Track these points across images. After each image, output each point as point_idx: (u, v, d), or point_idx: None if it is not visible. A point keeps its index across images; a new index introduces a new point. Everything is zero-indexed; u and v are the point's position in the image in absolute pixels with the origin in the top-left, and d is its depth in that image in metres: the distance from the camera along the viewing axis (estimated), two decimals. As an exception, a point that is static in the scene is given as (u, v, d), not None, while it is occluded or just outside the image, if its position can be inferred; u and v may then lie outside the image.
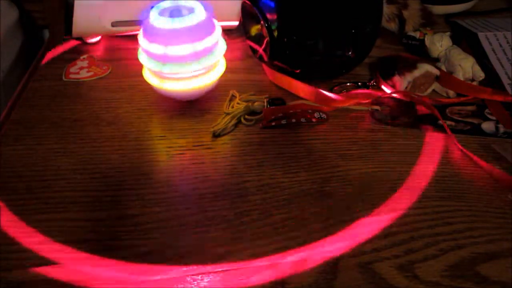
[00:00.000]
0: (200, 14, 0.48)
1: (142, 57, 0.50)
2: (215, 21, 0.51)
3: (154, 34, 0.48)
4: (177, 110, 0.53)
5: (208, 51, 0.49)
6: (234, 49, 0.63)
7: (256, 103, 0.52)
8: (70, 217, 0.40)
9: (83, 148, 0.48)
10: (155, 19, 0.48)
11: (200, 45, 0.48)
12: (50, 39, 0.67)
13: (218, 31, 0.50)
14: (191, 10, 0.49)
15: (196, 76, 0.50)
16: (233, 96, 0.54)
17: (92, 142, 0.48)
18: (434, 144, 0.48)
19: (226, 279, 0.36)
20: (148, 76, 0.52)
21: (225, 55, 0.53)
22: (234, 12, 0.63)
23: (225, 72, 0.53)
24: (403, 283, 0.35)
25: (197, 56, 0.48)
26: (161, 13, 0.48)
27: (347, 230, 0.39)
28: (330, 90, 0.54)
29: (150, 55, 0.49)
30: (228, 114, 0.51)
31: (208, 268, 0.36)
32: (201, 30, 0.48)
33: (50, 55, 0.63)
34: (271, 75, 0.57)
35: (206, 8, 0.49)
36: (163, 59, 0.48)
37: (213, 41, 0.49)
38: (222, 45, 0.52)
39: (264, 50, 0.54)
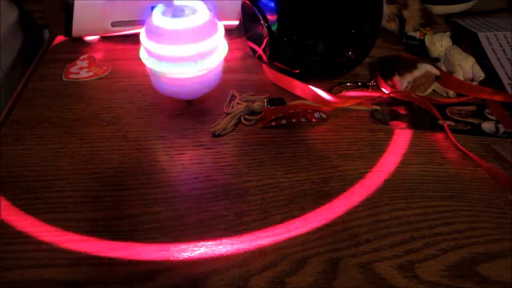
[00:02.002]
0: (203, 14, 0.48)
1: (143, 57, 0.50)
2: (218, 21, 0.51)
3: (156, 34, 0.48)
4: (177, 110, 0.53)
5: (210, 51, 0.49)
6: (234, 49, 0.62)
7: (256, 103, 0.52)
8: (70, 217, 0.40)
9: (83, 148, 0.48)
10: (158, 19, 0.47)
11: (202, 46, 0.48)
12: (50, 39, 0.67)
13: (221, 32, 0.50)
14: (194, 10, 0.49)
15: (197, 76, 0.50)
16: (233, 96, 0.54)
17: (92, 142, 0.48)
18: (433, 144, 0.48)
19: (227, 278, 0.36)
20: (150, 75, 0.51)
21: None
22: (234, 12, 0.63)
23: (225, 72, 0.53)
24: (403, 283, 0.35)
25: (199, 56, 0.48)
26: (164, 13, 0.48)
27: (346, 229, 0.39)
28: (330, 90, 0.54)
29: (152, 54, 0.49)
30: (228, 114, 0.51)
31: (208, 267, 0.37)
32: (204, 31, 0.48)
33: (51, 54, 0.63)
34: (271, 75, 0.57)
35: (209, 9, 0.49)
36: (165, 59, 0.48)
37: (216, 41, 0.49)
38: (224, 46, 0.52)
39: (264, 50, 0.54)
